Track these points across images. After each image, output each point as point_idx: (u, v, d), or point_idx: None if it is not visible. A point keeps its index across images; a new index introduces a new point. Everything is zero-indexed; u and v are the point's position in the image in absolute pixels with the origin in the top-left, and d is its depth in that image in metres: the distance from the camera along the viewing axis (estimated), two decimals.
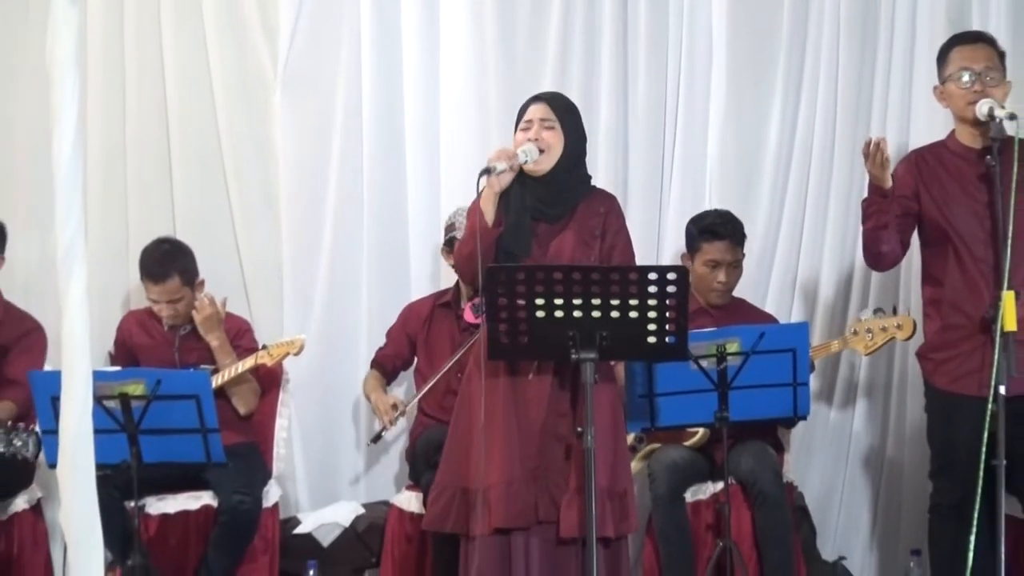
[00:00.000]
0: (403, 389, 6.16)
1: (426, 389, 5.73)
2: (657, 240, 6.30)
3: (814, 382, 5.88)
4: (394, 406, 5.76)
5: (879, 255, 4.91)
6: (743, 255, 5.90)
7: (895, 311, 5.67)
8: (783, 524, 5.53)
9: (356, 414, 6.42)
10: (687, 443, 5.67)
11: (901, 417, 6.18)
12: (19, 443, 5.38)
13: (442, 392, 5.71)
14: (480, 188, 4.73)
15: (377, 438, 5.90)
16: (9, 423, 5.42)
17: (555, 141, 4.85)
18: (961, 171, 4.78)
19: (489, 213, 4.77)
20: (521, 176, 4.80)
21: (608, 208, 4.93)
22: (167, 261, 5.81)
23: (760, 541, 5.51)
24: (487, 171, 4.72)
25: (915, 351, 5.20)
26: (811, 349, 5.59)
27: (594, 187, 5.04)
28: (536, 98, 4.96)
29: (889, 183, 4.72)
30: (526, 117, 4.89)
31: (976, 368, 4.67)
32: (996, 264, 4.60)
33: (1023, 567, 4.90)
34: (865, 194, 4.99)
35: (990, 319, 4.54)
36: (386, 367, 6.00)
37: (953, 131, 4.88)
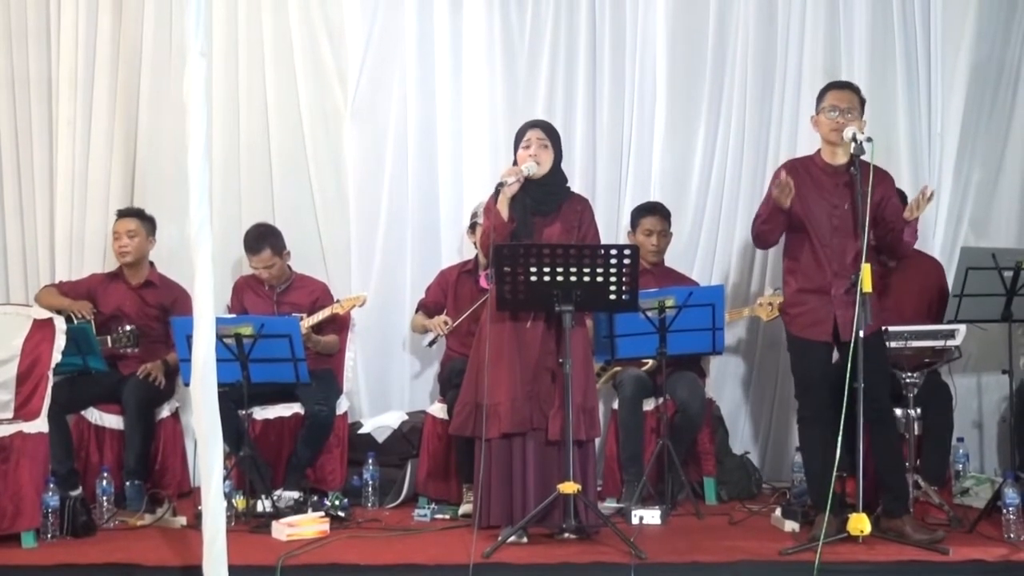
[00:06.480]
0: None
1: (460, 319, 5.68)
2: (617, 223, 6.25)
3: (729, 331, 5.84)
4: (444, 322, 5.73)
5: (767, 243, 4.96)
6: (670, 227, 5.91)
7: None
8: (696, 429, 5.57)
9: (402, 349, 6.39)
10: (644, 369, 5.64)
11: (786, 357, 6.13)
12: (124, 339, 5.61)
13: (464, 333, 5.68)
14: (496, 195, 4.76)
15: (432, 342, 5.86)
16: (120, 329, 5.61)
17: (547, 156, 4.85)
18: (820, 180, 4.75)
19: (504, 212, 4.76)
20: (524, 182, 4.78)
21: (583, 208, 4.95)
22: (260, 238, 5.79)
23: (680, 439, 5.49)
24: (501, 184, 4.73)
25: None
26: (728, 313, 5.58)
27: (574, 192, 5.05)
28: (532, 125, 4.95)
29: (787, 205, 4.69)
30: (526, 138, 4.88)
31: (821, 320, 4.68)
32: (838, 248, 4.63)
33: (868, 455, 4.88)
34: (763, 198, 4.96)
35: (852, 283, 4.49)
36: (429, 309, 5.94)
37: (819, 150, 4.85)
